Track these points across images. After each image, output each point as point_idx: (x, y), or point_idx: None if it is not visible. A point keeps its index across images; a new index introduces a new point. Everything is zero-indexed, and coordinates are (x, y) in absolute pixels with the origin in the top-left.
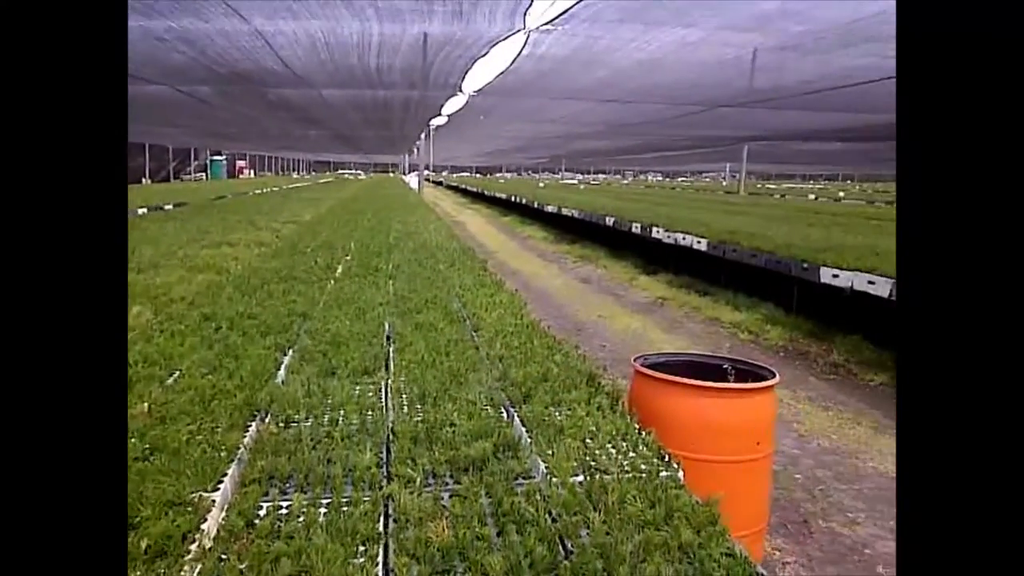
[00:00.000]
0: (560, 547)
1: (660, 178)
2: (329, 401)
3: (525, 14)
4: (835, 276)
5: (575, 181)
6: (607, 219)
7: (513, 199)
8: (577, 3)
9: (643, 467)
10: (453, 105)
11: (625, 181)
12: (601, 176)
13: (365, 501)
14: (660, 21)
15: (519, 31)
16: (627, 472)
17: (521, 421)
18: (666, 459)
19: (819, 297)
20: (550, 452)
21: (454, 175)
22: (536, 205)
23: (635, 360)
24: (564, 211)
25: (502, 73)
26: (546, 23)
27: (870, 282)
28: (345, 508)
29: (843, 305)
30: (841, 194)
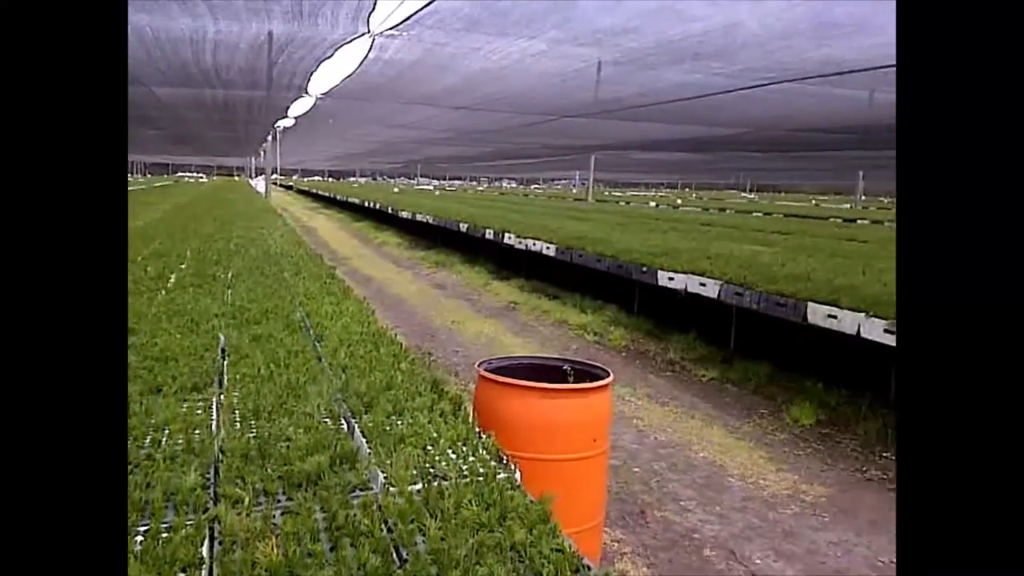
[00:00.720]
0: (395, 556)
1: (514, 185)
2: (152, 421)
3: (368, 18)
4: (671, 279)
5: (431, 187)
6: (461, 225)
7: (367, 204)
8: (420, 10)
9: (481, 470)
10: (300, 107)
11: (480, 187)
12: (457, 182)
13: (188, 525)
14: (503, 32)
15: (363, 34)
16: (465, 477)
17: (361, 432)
18: (504, 461)
19: (657, 299)
20: (389, 462)
21: (305, 179)
22: (391, 211)
23: (479, 365)
24: (419, 217)
25: (349, 76)
26: (391, 28)
27: (702, 284)
28: (165, 535)
29: (678, 306)
30: (679, 202)
